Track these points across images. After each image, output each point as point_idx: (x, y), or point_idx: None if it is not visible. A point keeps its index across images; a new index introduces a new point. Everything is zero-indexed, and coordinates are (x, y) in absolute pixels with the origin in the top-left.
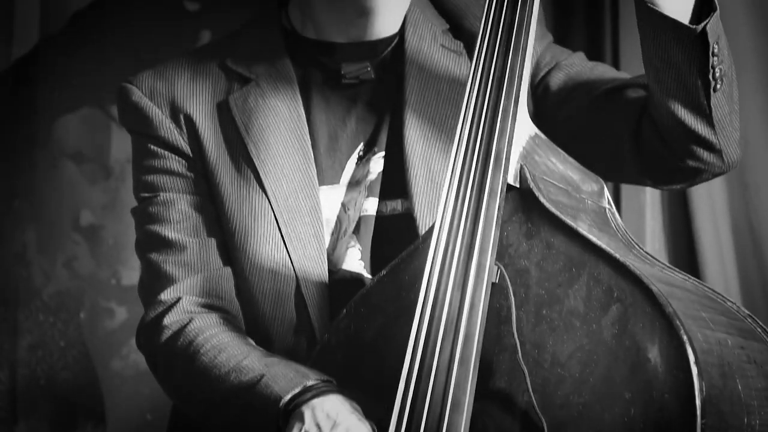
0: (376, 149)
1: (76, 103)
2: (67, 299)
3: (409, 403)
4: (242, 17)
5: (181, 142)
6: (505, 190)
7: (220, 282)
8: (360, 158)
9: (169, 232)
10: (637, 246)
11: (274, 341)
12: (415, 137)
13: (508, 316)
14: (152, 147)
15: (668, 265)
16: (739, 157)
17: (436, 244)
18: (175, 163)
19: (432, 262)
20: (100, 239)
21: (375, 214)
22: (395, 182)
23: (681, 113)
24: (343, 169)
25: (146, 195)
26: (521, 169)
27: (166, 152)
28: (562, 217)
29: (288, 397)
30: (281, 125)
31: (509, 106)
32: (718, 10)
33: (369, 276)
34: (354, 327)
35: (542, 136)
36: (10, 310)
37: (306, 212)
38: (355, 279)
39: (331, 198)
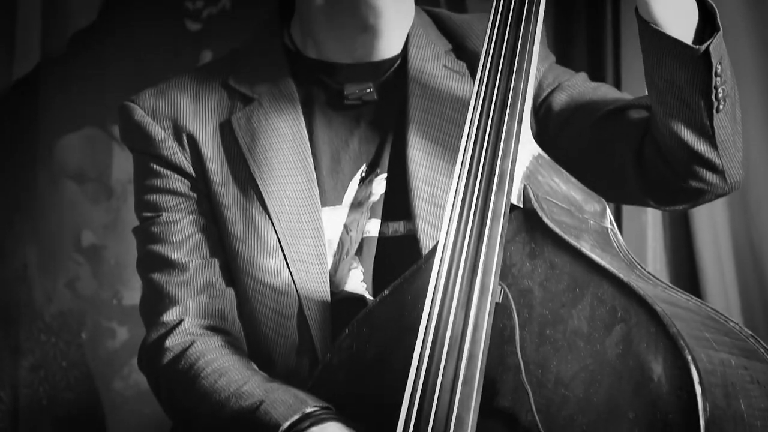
0: (378, 170)
1: (77, 122)
2: (69, 319)
3: (412, 423)
4: (244, 37)
5: (184, 161)
6: (508, 210)
7: (223, 303)
8: (362, 179)
9: (171, 253)
10: (639, 266)
11: (276, 362)
12: (419, 158)
13: (512, 336)
14: (155, 166)
15: (670, 285)
16: (741, 178)
17: (440, 264)
18: (178, 182)
19: (435, 282)
20: (101, 259)
21: (377, 235)
22: (398, 203)
23: (684, 134)
24: (345, 191)
25: (148, 215)
26: (524, 189)
27: (168, 172)
28: (566, 237)
29: (287, 424)
30: (284, 146)
31: (512, 126)
32: (721, 31)
33: (371, 297)
34: (356, 347)
35: (545, 156)
36: (12, 331)
37: (309, 233)
38: (357, 300)
39: (334, 219)
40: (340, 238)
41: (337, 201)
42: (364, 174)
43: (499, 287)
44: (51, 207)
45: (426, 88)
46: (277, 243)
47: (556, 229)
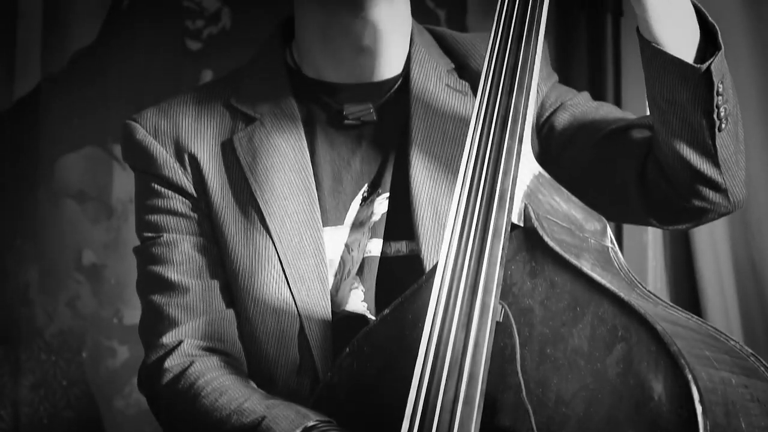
0: (380, 190)
1: (78, 142)
2: (70, 338)
3: None
4: (244, 56)
5: (185, 181)
6: (509, 229)
7: (223, 325)
8: (364, 199)
9: (171, 274)
10: (639, 285)
11: (277, 381)
12: (422, 178)
13: (513, 354)
14: (156, 186)
15: (671, 304)
16: (744, 197)
17: (440, 283)
18: (179, 203)
19: (436, 301)
20: (102, 278)
21: (379, 255)
22: (400, 223)
23: (686, 153)
24: (347, 211)
25: (149, 235)
26: (525, 208)
27: (169, 192)
28: (566, 255)
29: None
30: (286, 166)
31: (513, 145)
32: (722, 49)
33: (372, 317)
34: (357, 365)
35: (546, 175)
36: (13, 350)
37: (310, 253)
38: (359, 320)
39: (335, 239)
40: (342, 258)
41: (339, 221)
42: (365, 194)
43: (500, 306)
44: (51, 226)
45: (428, 107)
46: (278, 263)
47: (557, 248)
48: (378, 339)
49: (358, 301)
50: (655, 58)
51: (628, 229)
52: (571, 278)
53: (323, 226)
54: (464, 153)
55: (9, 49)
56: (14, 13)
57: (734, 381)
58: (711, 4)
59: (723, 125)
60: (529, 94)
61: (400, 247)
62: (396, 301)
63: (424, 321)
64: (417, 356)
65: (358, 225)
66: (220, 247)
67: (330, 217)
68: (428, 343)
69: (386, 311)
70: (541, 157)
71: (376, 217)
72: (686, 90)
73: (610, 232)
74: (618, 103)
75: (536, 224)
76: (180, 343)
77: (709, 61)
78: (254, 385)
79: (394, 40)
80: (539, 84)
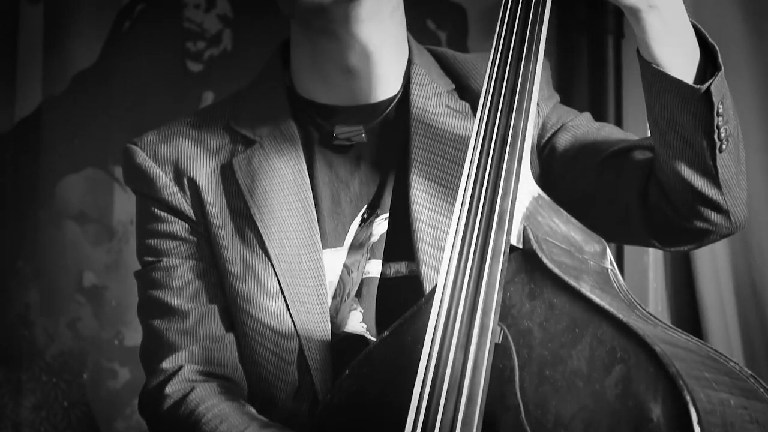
0: (379, 211)
1: (79, 163)
2: (71, 360)
3: None
4: (245, 78)
5: (185, 205)
6: (508, 251)
7: (223, 350)
8: (363, 220)
9: (171, 299)
10: (639, 306)
11: (277, 403)
12: (422, 199)
13: (512, 376)
14: (156, 210)
15: (670, 325)
16: (746, 218)
17: (439, 304)
18: (179, 227)
19: (435, 323)
20: (103, 300)
21: (378, 276)
22: (400, 244)
23: (687, 174)
24: (346, 232)
25: (149, 259)
26: (524, 229)
27: (169, 216)
28: (565, 277)
29: None
30: (285, 188)
31: (512, 166)
32: (722, 70)
33: (372, 338)
34: (356, 387)
35: (545, 197)
36: (14, 371)
37: (309, 276)
38: (358, 341)
39: (334, 261)
40: (341, 279)
41: (338, 243)
42: (365, 215)
43: (499, 328)
44: (52, 247)
45: (428, 128)
46: (277, 285)
47: (556, 270)
48: (378, 360)
49: (358, 322)
50: (656, 79)
51: (629, 251)
52: (569, 300)
53: (323, 248)
54: (463, 174)
55: (10, 70)
56: (15, 33)
57: (733, 402)
58: (711, 23)
59: (724, 146)
60: (528, 115)
61: (400, 267)
62: (396, 322)
63: (423, 342)
64: (416, 377)
65: (357, 246)
66: (220, 270)
67: (329, 238)
68: (427, 364)
69: (386, 333)
70: (542, 179)
71: (375, 238)
72: (686, 111)
73: (609, 253)
74: (619, 124)
75: (535, 246)
76: (180, 368)
77: (709, 82)
78: (254, 412)
79: (386, 60)
80: (540, 104)
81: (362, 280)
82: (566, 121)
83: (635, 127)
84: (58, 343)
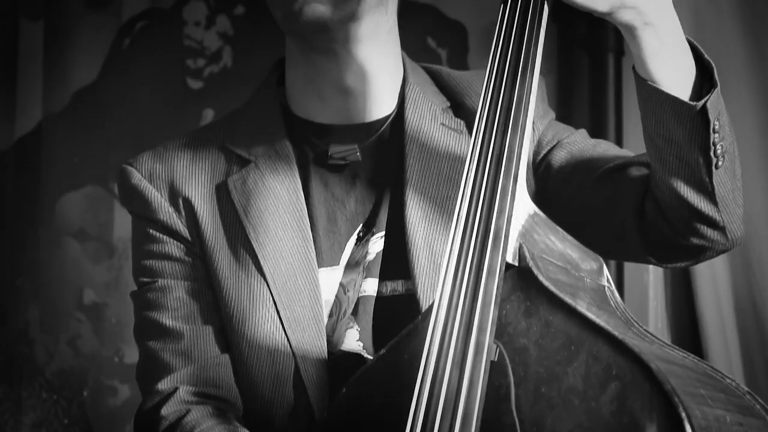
0: (375, 230)
1: (79, 181)
2: (71, 377)
3: None
4: (245, 95)
5: (180, 225)
6: (503, 268)
7: (218, 371)
8: (359, 239)
9: (166, 320)
10: (636, 324)
11: (273, 423)
12: (417, 217)
13: (507, 394)
14: (151, 231)
15: (667, 342)
16: (743, 234)
17: (435, 322)
18: (174, 247)
19: (431, 341)
20: (103, 317)
21: (374, 294)
22: (396, 263)
23: (683, 191)
24: (342, 251)
25: (145, 280)
26: (520, 247)
27: (164, 237)
28: (561, 295)
29: None
30: (280, 207)
31: (508, 184)
32: (718, 87)
33: (368, 356)
34: (353, 405)
35: (541, 214)
36: (14, 388)
37: (305, 295)
38: (355, 360)
39: (330, 279)
40: (337, 298)
41: (334, 262)
42: (360, 234)
43: (495, 346)
44: (52, 265)
45: (423, 146)
46: (273, 305)
47: (552, 288)
48: (374, 379)
49: (354, 340)
50: (651, 96)
51: (629, 268)
52: (565, 317)
53: (318, 267)
54: (459, 192)
55: (10, 88)
56: (15, 51)
57: (729, 419)
58: (712, 42)
59: (720, 163)
60: (524, 134)
61: (396, 286)
62: (392, 341)
63: (420, 360)
64: (413, 395)
65: (353, 265)
66: (215, 290)
67: (325, 257)
68: (422, 382)
69: (382, 351)
70: (538, 196)
71: (371, 257)
72: (682, 128)
73: (606, 271)
74: (619, 142)
75: (531, 264)
76: (175, 390)
77: (705, 99)
78: None
79: (382, 79)
80: (535, 122)
81: (358, 299)
82: (562, 138)
83: (635, 144)
84: (58, 361)
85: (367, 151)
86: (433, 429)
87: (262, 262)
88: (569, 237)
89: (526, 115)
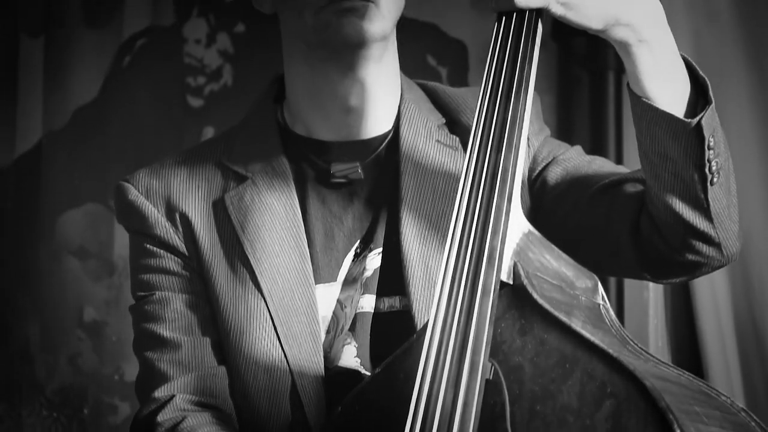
0: (372, 246)
1: (79, 199)
2: (71, 395)
3: None
4: (245, 113)
5: (177, 241)
6: (498, 287)
7: (215, 381)
8: (356, 255)
9: (163, 331)
10: (631, 342)
11: None
12: (412, 234)
13: (503, 412)
14: (148, 246)
15: (662, 360)
16: (738, 250)
17: (429, 341)
18: (171, 262)
19: (425, 359)
20: (103, 335)
21: (372, 311)
22: (393, 279)
23: (679, 207)
24: (339, 267)
25: (142, 294)
26: (515, 265)
27: (161, 251)
28: (556, 313)
29: None
30: (277, 224)
31: (502, 203)
32: (713, 103)
33: (366, 372)
34: (348, 424)
35: (536, 233)
36: (14, 406)
37: (302, 311)
38: (352, 376)
39: (328, 296)
40: (335, 314)
41: (332, 278)
42: (358, 250)
43: (490, 364)
44: (53, 283)
45: (418, 163)
46: (270, 321)
47: (546, 306)
48: (369, 397)
49: (351, 356)
50: (646, 113)
51: (629, 286)
52: (560, 335)
53: (316, 283)
54: (454, 211)
55: (10, 105)
56: (16, 68)
57: None
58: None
59: (715, 179)
60: (518, 153)
61: (393, 302)
62: (387, 359)
63: (415, 379)
64: (408, 414)
65: (350, 281)
66: (212, 305)
67: (323, 274)
68: (417, 400)
69: (377, 370)
70: (533, 212)
71: (368, 273)
72: (677, 145)
73: (601, 289)
74: (619, 160)
75: (525, 282)
76: (172, 397)
77: (700, 116)
78: None
79: (382, 97)
80: (530, 138)
81: (356, 315)
82: (557, 154)
83: (635, 162)
84: (59, 378)
85: (366, 168)
86: None
87: (259, 278)
88: (564, 255)
89: (520, 134)
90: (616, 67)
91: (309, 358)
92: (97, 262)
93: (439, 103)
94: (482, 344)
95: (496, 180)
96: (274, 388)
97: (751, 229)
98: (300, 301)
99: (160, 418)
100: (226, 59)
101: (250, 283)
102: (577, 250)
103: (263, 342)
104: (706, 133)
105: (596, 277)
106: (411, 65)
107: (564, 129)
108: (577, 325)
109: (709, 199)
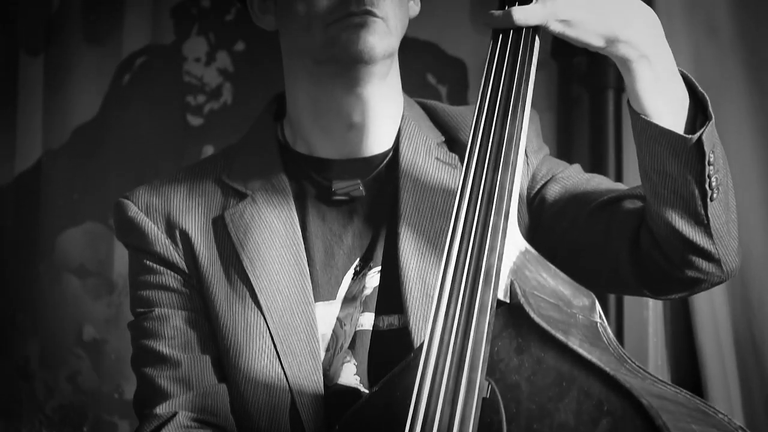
0: (371, 264)
1: (78, 217)
2: (71, 413)
3: None
4: (245, 132)
5: (177, 257)
6: (495, 305)
7: (215, 399)
8: (356, 273)
9: (163, 348)
10: (629, 360)
11: None
12: (410, 252)
13: (499, 430)
14: (148, 262)
15: (660, 378)
16: (738, 266)
17: (426, 359)
18: (170, 278)
19: (422, 378)
20: (103, 354)
21: (371, 329)
22: (392, 297)
23: (678, 224)
24: (339, 285)
25: (141, 310)
26: (511, 284)
27: (161, 268)
28: (553, 332)
29: None
30: (277, 241)
31: (499, 222)
32: (713, 119)
33: (365, 390)
34: None
35: (533, 251)
36: (14, 424)
37: (302, 329)
38: (351, 393)
39: (327, 313)
40: (334, 332)
41: (331, 296)
42: (357, 268)
43: (486, 382)
44: (52, 301)
45: (417, 181)
46: (269, 338)
47: (543, 324)
48: (367, 416)
49: (351, 374)
50: (646, 129)
51: (628, 306)
52: (557, 354)
53: (315, 301)
54: (450, 229)
55: (10, 123)
56: (15, 86)
57: None
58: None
59: (715, 195)
60: (515, 170)
61: (393, 320)
62: (385, 377)
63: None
64: None
65: (350, 299)
66: (212, 322)
67: (322, 291)
68: (414, 419)
69: (375, 388)
70: (532, 230)
71: (368, 291)
72: (677, 161)
73: (598, 307)
74: (619, 178)
75: (522, 301)
76: (175, 414)
77: (700, 132)
78: None
79: (384, 115)
80: (529, 156)
81: (355, 333)
82: (556, 172)
83: (635, 180)
84: (58, 397)
85: (366, 186)
86: None
87: (259, 296)
88: (561, 274)
89: (517, 152)
90: (616, 86)
91: (308, 376)
92: (96, 281)
93: (438, 121)
94: (479, 362)
95: (492, 198)
96: (274, 405)
97: (751, 247)
98: (299, 318)
99: None
100: (226, 78)
101: (250, 300)
102: (575, 267)
103: (263, 359)
104: (707, 148)
105: (593, 296)
106: (411, 84)
107: (564, 147)
108: (574, 344)
109: (709, 215)
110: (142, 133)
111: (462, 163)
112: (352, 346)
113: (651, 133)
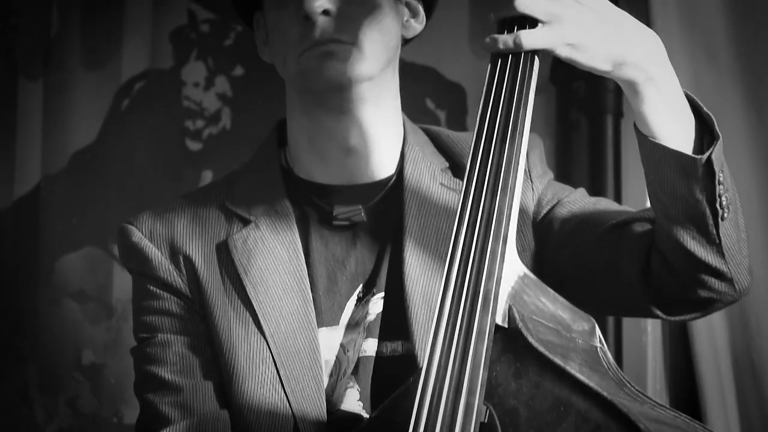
0: (374, 290)
1: (77, 242)
2: None
3: None
4: (244, 156)
5: (180, 283)
6: (493, 330)
7: (216, 425)
8: (359, 299)
9: (165, 374)
10: (629, 384)
11: None
12: (416, 277)
13: None
14: (151, 288)
15: (659, 402)
16: (749, 284)
17: (424, 384)
18: (174, 304)
19: (420, 403)
20: (102, 378)
21: (374, 355)
22: (395, 323)
23: (690, 245)
24: (342, 311)
25: (144, 335)
26: (510, 309)
27: (164, 293)
28: (551, 356)
29: None
30: (280, 267)
31: (497, 247)
32: (720, 138)
33: (368, 416)
34: None
35: (531, 276)
36: None
37: (305, 354)
38: (354, 420)
39: (331, 339)
40: (337, 358)
41: (334, 321)
42: (361, 294)
43: (485, 407)
44: (51, 326)
45: (422, 206)
46: (273, 364)
47: (541, 349)
48: None
49: (354, 400)
50: (654, 152)
51: (627, 329)
52: (555, 378)
53: (318, 327)
54: (448, 254)
55: (9, 148)
56: (14, 111)
57: None
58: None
59: (725, 214)
60: (513, 196)
61: (396, 346)
62: (384, 403)
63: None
64: None
65: (353, 325)
66: (215, 348)
67: (325, 317)
68: None
69: (374, 413)
70: (538, 255)
71: (371, 317)
72: (688, 182)
73: (598, 331)
74: (618, 202)
75: (521, 325)
76: None
77: (709, 151)
78: None
79: (384, 140)
80: (534, 181)
81: (359, 359)
82: (562, 197)
83: (635, 205)
84: (58, 421)
85: (369, 211)
86: None
87: (262, 321)
88: (560, 298)
89: (515, 177)
90: (615, 111)
91: (311, 402)
92: (95, 305)
93: (442, 147)
94: (477, 387)
95: (491, 223)
96: (277, 431)
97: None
98: (302, 344)
99: None
100: (225, 102)
101: (253, 325)
102: (584, 290)
103: (265, 385)
104: (716, 168)
105: (593, 320)
106: (410, 108)
107: (563, 172)
108: (572, 368)
109: (721, 235)
110: (140, 157)
111: None
112: (355, 372)
113: (660, 155)
